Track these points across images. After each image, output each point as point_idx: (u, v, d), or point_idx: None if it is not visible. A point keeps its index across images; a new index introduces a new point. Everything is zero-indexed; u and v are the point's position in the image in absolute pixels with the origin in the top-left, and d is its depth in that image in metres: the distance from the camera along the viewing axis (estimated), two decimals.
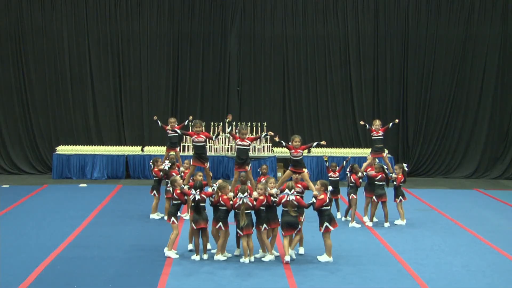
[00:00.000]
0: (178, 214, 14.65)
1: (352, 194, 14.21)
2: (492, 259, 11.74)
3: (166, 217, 14.20)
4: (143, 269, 10.83)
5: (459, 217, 15.11)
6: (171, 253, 11.46)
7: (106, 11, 20.99)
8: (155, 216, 14.37)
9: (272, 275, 10.63)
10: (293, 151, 11.93)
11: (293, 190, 11.30)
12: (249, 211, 11.30)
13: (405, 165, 14.52)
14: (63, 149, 20.10)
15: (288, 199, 11.25)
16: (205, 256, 11.37)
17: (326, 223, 11.35)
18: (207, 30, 21.20)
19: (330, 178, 14.46)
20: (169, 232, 12.51)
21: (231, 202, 11.33)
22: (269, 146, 20.22)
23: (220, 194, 11.32)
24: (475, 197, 18.00)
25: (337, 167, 14.68)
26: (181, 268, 10.94)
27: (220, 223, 11.29)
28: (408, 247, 12.44)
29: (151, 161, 14.93)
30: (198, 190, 11.36)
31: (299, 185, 11.85)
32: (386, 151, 15.74)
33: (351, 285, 10.28)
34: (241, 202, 11.26)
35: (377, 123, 15.77)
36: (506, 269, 11.18)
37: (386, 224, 14.01)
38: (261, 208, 11.34)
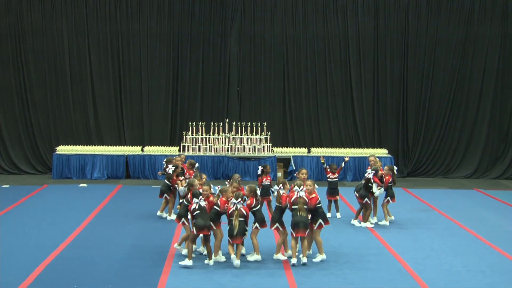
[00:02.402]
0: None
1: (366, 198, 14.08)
2: (492, 259, 11.74)
3: (169, 217, 14.16)
4: (143, 269, 10.83)
5: (459, 217, 15.11)
6: (183, 250, 11.42)
7: (106, 11, 20.99)
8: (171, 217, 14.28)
9: (272, 275, 10.63)
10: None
11: (302, 187, 11.20)
12: (242, 219, 11.04)
13: (395, 168, 14.53)
14: (63, 149, 20.10)
15: (298, 195, 11.11)
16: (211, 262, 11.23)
17: (320, 220, 11.32)
18: (207, 30, 21.20)
19: (328, 180, 14.49)
20: (169, 232, 12.57)
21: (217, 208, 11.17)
22: (269, 146, 20.23)
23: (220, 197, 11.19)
24: (475, 197, 18.00)
25: (336, 168, 14.68)
26: (181, 268, 10.93)
27: (211, 223, 11.07)
28: (408, 247, 12.43)
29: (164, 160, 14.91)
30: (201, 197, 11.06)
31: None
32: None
33: (351, 285, 10.28)
34: (234, 208, 11.02)
35: (371, 157, 15.37)
36: (506, 269, 11.19)
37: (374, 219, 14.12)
38: (255, 209, 11.29)
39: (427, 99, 21.40)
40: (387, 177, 14.08)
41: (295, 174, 13.34)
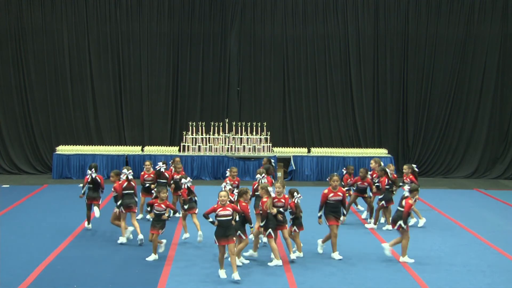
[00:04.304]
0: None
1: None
2: (492, 259, 11.75)
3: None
4: (143, 269, 10.84)
5: (459, 217, 15.12)
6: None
7: (106, 11, 20.99)
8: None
9: (272, 275, 10.64)
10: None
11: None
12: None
13: (414, 166, 14.48)
14: (63, 149, 20.10)
15: (296, 201, 11.65)
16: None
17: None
18: (207, 30, 21.20)
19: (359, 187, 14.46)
20: (169, 232, 12.56)
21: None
22: (269, 146, 20.23)
23: (239, 200, 11.12)
24: (475, 197, 18.01)
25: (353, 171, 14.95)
26: (181, 268, 10.95)
27: (239, 232, 11.04)
28: (408, 247, 12.41)
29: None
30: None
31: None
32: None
33: (351, 285, 10.29)
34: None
35: (392, 167, 14.89)
36: (506, 269, 11.20)
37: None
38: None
39: (427, 99, 21.40)
40: (410, 176, 13.94)
41: (327, 179, 12.50)
